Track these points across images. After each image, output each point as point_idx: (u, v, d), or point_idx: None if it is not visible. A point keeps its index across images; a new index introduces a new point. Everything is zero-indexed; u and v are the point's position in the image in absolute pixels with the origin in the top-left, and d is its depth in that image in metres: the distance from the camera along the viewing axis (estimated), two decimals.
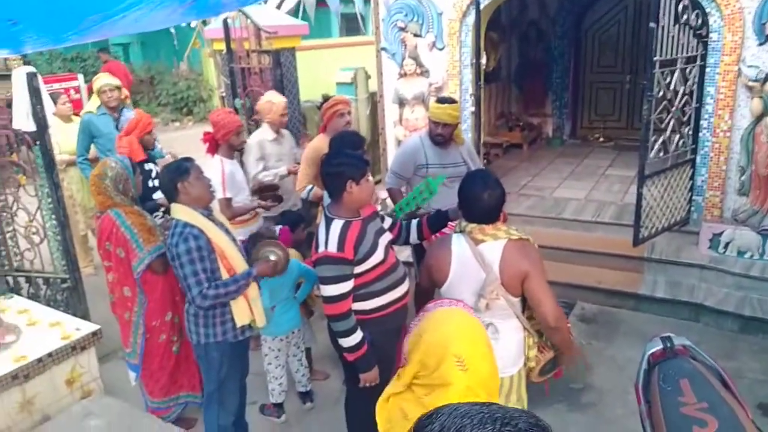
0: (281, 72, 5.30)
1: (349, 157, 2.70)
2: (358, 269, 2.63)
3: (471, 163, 4.13)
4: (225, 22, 5.30)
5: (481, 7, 4.97)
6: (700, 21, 4.45)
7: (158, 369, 3.37)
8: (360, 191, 2.64)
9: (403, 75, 5.67)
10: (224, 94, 5.94)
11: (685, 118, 4.65)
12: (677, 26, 4.26)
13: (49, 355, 3.36)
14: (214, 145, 3.97)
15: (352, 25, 18.17)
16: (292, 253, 3.75)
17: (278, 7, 5.52)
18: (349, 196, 2.63)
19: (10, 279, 4.25)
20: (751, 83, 4.39)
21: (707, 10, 4.44)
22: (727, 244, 4.71)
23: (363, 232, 2.64)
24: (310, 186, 4.18)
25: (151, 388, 3.41)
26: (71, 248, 4.15)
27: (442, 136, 3.85)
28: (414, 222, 3.03)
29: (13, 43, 2.72)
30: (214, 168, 3.88)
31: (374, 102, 7.09)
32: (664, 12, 4.08)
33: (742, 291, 4.49)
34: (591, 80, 8.34)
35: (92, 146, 5.00)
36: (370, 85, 7.47)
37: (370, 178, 2.73)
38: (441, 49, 5.53)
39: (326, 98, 4.30)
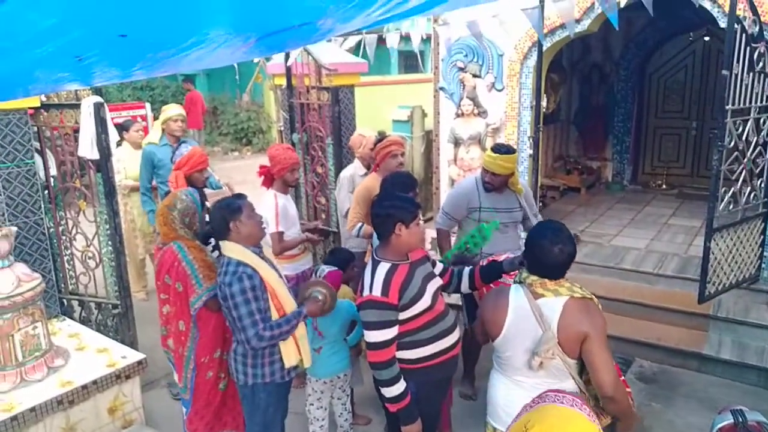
0: (339, 109, 5.32)
1: (400, 200, 2.63)
2: (403, 315, 2.54)
3: (527, 208, 4.01)
4: (286, 58, 5.39)
5: (544, 48, 4.89)
6: None
7: (204, 406, 3.32)
8: (409, 235, 2.56)
9: (460, 115, 5.63)
10: (282, 128, 6.03)
11: (758, 170, 4.40)
12: (751, 74, 4.05)
13: (94, 382, 3.39)
14: (269, 178, 4.00)
15: (410, 62, 18.44)
16: (345, 291, 3.69)
17: (340, 45, 5.58)
18: (397, 239, 2.56)
19: (64, 301, 4.34)
20: None
21: None
22: None
23: (410, 276, 2.56)
24: (360, 224, 4.14)
25: (195, 426, 3.35)
26: (124, 275, 4.22)
27: (491, 185, 3.75)
28: (466, 270, 2.92)
29: (83, 77, 2.82)
30: (268, 202, 3.91)
31: (429, 140, 7.08)
32: (737, 59, 3.89)
33: None
34: (655, 125, 8.08)
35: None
36: (426, 124, 7.47)
37: (421, 221, 2.66)
38: (500, 90, 5.47)
39: (382, 136, 4.28)
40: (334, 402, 3.61)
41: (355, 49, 5.76)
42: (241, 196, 2.92)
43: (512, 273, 2.81)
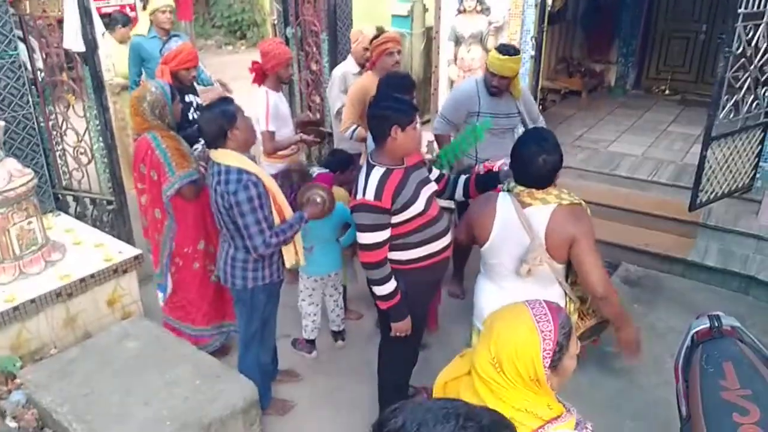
0: (335, 1, 5.09)
1: (397, 102, 2.57)
2: (395, 219, 2.56)
3: (526, 114, 3.94)
4: None
5: None
6: None
7: (197, 297, 3.42)
8: (405, 138, 2.52)
9: (462, 11, 5.39)
10: (276, 22, 5.79)
11: (764, 78, 4.29)
12: None
13: (92, 276, 3.47)
14: (261, 75, 3.88)
15: None
16: (341, 193, 3.70)
17: None
18: (393, 143, 2.52)
19: (59, 196, 4.35)
20: None
21: None
22: None
23: (404, 181, 2.55)
24: (354, 126, 4.07)
25: (193, 316, 3.46)
26: (117, 171, 4.20)
27: (498, 88, 3.65)
28: (462, 178, 2.91)
29: None
30: (260, 99, 3.83)
31: (429, 37, 6.81)
32: None
33: None
34: (663, 28, 7.78)
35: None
36: (426, 20, 7.17)
37: (418, 125, 2.61)
38: None
39: (380, 32, 4.11)
40: (326, 299, 3.73)
41: None
42: (229, 100, 2.84)
43: None
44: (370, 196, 2.50)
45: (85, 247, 3.72)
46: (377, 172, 2.53)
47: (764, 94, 4.35)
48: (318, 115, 5.55)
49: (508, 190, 2.45)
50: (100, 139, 4.03)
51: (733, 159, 4.45)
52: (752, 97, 4.29)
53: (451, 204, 4.34)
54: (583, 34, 8.08)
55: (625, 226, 4.88)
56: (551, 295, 2.47)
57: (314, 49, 5.44)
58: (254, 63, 3.86)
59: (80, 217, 4.32)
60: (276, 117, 3.88)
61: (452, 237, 2.79)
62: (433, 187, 2.73)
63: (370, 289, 2.74)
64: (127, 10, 9.87)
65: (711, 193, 4.45)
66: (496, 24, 5.29)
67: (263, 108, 3.80)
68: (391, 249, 2.62)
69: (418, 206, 2.58)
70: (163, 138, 3.09)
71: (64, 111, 4.19)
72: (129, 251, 3.73)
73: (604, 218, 4.68)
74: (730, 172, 4.49)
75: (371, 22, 7.09)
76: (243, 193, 2.64)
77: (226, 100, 2.79)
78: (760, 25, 4.01)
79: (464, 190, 2.89)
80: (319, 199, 3.11)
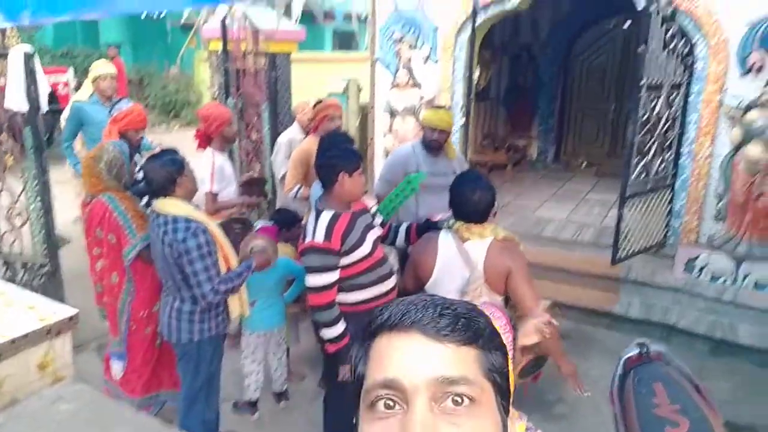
0: (276, 74, 5.34)
1: (343, 150, 2.74)
2: (344, 261, 2.66)
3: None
4: (223, 21, 5.34)
5: (477, 23, 5.08)
6: (686, 49, 4.60)
7: (142, 364, 3.30)
8: (352, 184, 2.67)
9: (395, 86, 5.76)
10: (216, 94, 5.97)
11: (668, 144, 4.78)
12: (665, 52, 4.39)
13: (25, 336, 3.31)
14: (205, 139, 3.99)
15: (344, 41, 18.47)
16: (286, 249, 3.77)
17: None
18: (340, 188, 2.67)
19: None
20: (732, 112, 4.54)
21: (694, 40, 4.60)
22: (701, 269, 4.81)
23: (351, 225, 2.68)
24: (298, 186, 4.21)
25: (133, 385, 3.33)
26: (53, 233, 4.11)
27: (437, 141, 3.90)
28: (404, 225, 3.08)
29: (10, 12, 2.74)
30: (205, 161, 3.91)
31: (364, 114, 7.18)
32: (653, 37, 4.21)
33: (713, 315, 4.59)
34: (577, 106, 8.52)
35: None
36: (361, 98, 7.56)
37: (363, 174, 2.77)
38: (435, 63, 5.63)
39: (318, 102, 4.36)
40: (270, 357, 3.69)
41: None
42: (174, 150, 2.93)
43: None
44: (319, 238, 2.60)
45: (17, 309, 3.55)
46: (326, 216, 2.65)
47: (669, 158, 4.83)
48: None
49: (449, 227, 2.62)
50: (38, 199, 3.96)
51: (647, 217, 4.85)
52: (659, 160, 4.75)
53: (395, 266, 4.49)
54: (505, 112, 8.71)
55: (554, 283, 5.14)
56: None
57: (255, 119, 5.62)
58: (197, 130, 3.97)
59: (9, 281, 4.14)
60: (221, 178, 3.95)
61: (397, 280, 2.90)
62: (377, 231, 2.86)
63: (317, 334, 2.78)
64: (60, 87, 9.92)
65: (629, 249, 4.80)
66: (428, 97, 5.68)
67: (208, 168, 3.88)
68: (340, 291, 2.70)
69: (365, 248, 2.70)
70: (120, 200, 3.08)
71: (1, 173, 4.12)
72: (64, 312, 3.59)
73: (535, 277, 4.89)
74: (646, 229, 4.88)
75: (309, 98, 7.44)
76: (192, 240, 2.68)
77: (172, 151, 2.88)
78: (660, 96, 4.52)
79: (406, 236, 3.04)
80: (261, 248, 3.17)
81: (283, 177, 4.68)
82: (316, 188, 3.45)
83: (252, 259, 3.02)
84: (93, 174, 3.07)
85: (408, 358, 0.71)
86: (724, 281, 4.75)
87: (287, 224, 3.82)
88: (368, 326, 0.78)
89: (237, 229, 3.47)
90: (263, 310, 3.50)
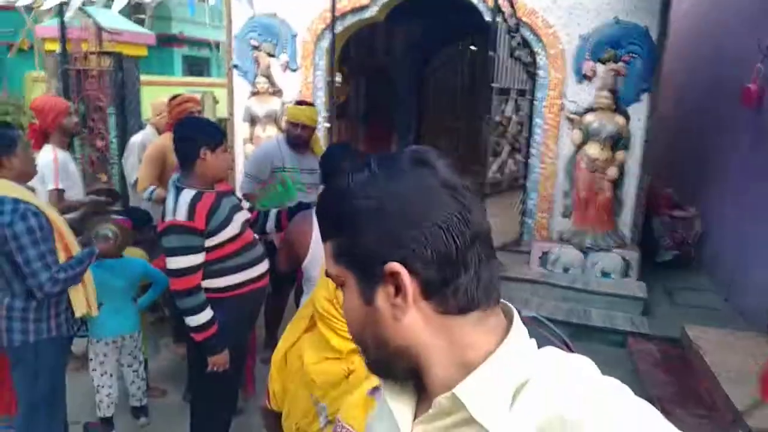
0: (123, 75, 4.96)
1: (205, 124, 2.56)
2: (210, 242, 2.46)
3: None
4: (62, 20, 4.89)
5: (336, 31, 5.12)
6: (530, 58, 4.97)
7: None
8: (215, 160, 2.50)
9: (255, 93, 5.61)
10: None
11: (518, 146, 5.10)
12: (511, 60, 4.71)
13: None
14: (42, 135, 3.58)
15: (195, 68, 17.94)
16: (136, 252, 3.43)
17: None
18: (202, 164, 2.48)
19: None
20: (571, 116, 4.96)
21: (535, 50, 4.99)
22: (554, 261, 5.15)
23: (217, 204, 2.49)
24: (152, 187, 3.89)
25: None
26: None
27: (301, 137, 3.81)
28: (273, 211, 2.93)
29: None
30: (45, 156, 3.49)
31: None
32: (500, 44, 4.49)
33: (569, 302, 4.90)
34: (432, 123, 8.90)
35: None
36: (217, 112, 7.30)
37: (227, 151, 2.60)
38: (294, 71, 5.58)
39: (175, 95, 4.09)
40: (124, 370, 3.31)
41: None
42: (11, 126, 2.57)
43: None
44: (181, 216, 2.39)
45: None
46: (187, 194, 2.44)
47: (520, 159, 5.16)
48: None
49: None
50: None
51: (504, 215, 5.11)
52: (512, 161, 5.05)
53: None
54: (365, 129, 8.86)
55: None
56: None
57: (99, 124, 5.17)
58: (31, 125, 3.56)
59: None
60: (66, 175, 3.55)
61: (269, 266, 2.74)
62: (245, 214, 2.69)
63: (181, 323, 2.53)
64: None
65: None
66: (289, 104, 5.58)
67: (50, 164, 3.47)
68: (207, 276, 2.49)
69: (233, 228, 2.52)
70: None
71: None
72: None
73: None
74: (504, 227, 5.13)
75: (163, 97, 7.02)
76: (21, 223, 2.34)
77: (6, 125, 2.52)
78: (508, 99, 4.82)
79: (276, 222, 2.90)
80: (110, 234, 2.86)
81: (136, 181, 4.32)
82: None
83: (95, 246, 2.69)
84: None
85: None
86: (575, 271, 5.11)
87: (139, 223, 3.49)
88: None
89: (107, 199, 3.11)
90: (111, 314, 3.11)
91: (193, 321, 2.43)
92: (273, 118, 5.61)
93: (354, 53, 7.98)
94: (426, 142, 8.94)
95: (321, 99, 5.60)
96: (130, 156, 4.41)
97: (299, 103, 3.86)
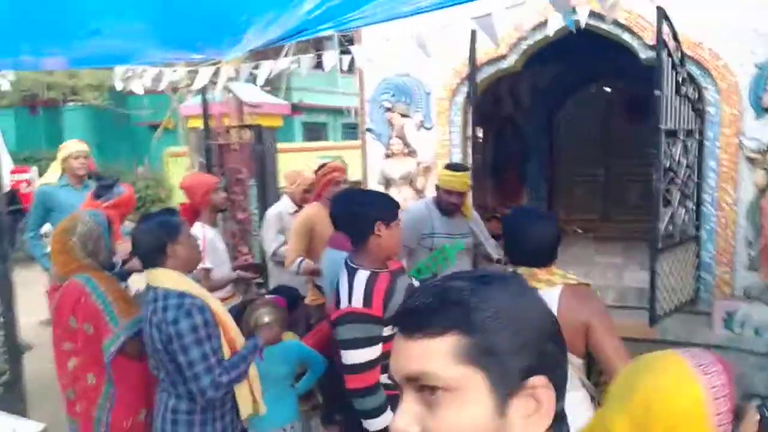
0: (263, 147, 4.98)
1: (378, 196, 2.31)
2: (388, 330, 2.16)
3: (481, 235, 3.82)
4: (203, 96, 5.02)
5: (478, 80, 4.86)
6: (696, 95, 4.43)
7: None
8: (390, 236, 2.23)
9: (389, 155, 5.45)
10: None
11: (689, 192, 4.50)
12: (678, 98, 4.19)
13: None
14: (193, 213, 3.55)
15: (314, 134, 18.77)
16: (289, 334, 3.24)
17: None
18: (376, 241, 2.22)
19: None
20: (753, 155, 4.32)
21: (703, 85, 4.44)
22: (742, 323, 4.41)
23: (392, 286, 2.20)
24: (300, 258, 3.72)
25: None
26: (14, 336, 3.50)
27: (455, 205, 3.53)
28: None
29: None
30: (196, 235, 3.43)
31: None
32: (666, 82, 4.01)
33: (766, 372, 4.14)
34: (566, 173, 8.36)
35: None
36: (348, 174, 7.25)
37: (401, 223, 2.34)
38: (429, 129, 5.38)
39: (322, 165, 3.97)
40: None
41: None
42: (172, 211, 2.47)
43: None
44: (357, 302, 2.12)
45: None
46: (362, 276, 2.18)
47: (691, 207, 4.54)
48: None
49: None
50: None
51: (677, 273, 4.48)
52: (683, 210, 4.45)
53: None
54: (493, 182, 8.47)
55: None
56: (574, 401, 2.11)
57: (240, 197, 5.20)
58: (182, 205, 3.55)
59: None
60: (213, 253, 3.48)
61: None
62: None
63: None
64: (23, 186, 9.39)
65: (665, 307, 4.38)
66: (425, 164, 5.37)
67: (199, 243, 3.40)
68: (384, 371, 2.18)
69: None
70: (98, 280, 2.53)
71: None
72: (27, 428, 2.94)
73: None
74: (678, 285, 4.49)
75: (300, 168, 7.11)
76: (186, 321, 2.16)
77: (169, 211, 2.41)
78: (677, 141, 4.27)
79: None
80: (268, 319, 2.66)
81: (275, 254, 4.22)
82: (332, 255, 2.98)
83: (258, 335, 2.48)
84: (64, 250, 2.54)
85: (393, 356, 0.77)
86: None
87: (289, 303, 3.30)
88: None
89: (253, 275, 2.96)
90: (273, 404, 2.88)
91: (374, 425, 2.12)
92: (408, 180, 5.40)
93: (481, 102, 7.72)
94: (560, 194, 8.41)
95: (457, 156, 5.34)
96: (268, 229, 4.33)
97: (453, 167, 3.57)
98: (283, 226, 4.25)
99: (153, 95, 13.55)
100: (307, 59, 3.94)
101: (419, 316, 0.73)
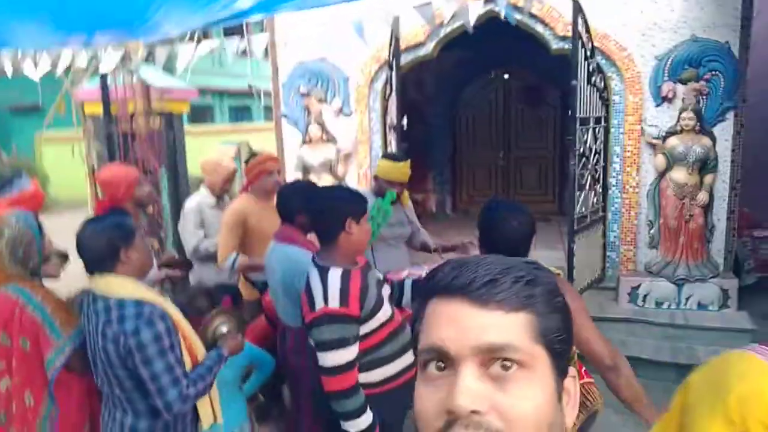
0: (174, 135, 4.66)
1: (347, 192, 2.23)
2: (364, 329, 2.11)
3: (416, 223, 3.84)
4: (104, 80, 4.59)
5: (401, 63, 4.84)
6: (602, 84, 4.71)
7: None
8: (360, 232, 2.17)
9: (308, 141, 5.31)
10: (96, 165, 5.09)
11: (598, 176, 4.80)
12: (589, 87, 4.43)
13: None
14: (110, 210, 3.24)
15: (238, 114, 18.18)
16: None
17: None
18: (347, 239, 2.15)
19: None
20: (653, 141, 4.67)
21: (608, 75, 4.72)
22: (645, 296, 4.80)
23: (366, 283, 2.15)
24: (234, 254, 3.53)
25: None
26: None
27: (396, 195, 3.50)
28: (408, 281, 2.58)
29: None
30: None
31: None
32: (580, 73, 4.22)
33: (670, 341, 4.54)
34: (468, 157, 8.61)
35: None
36: None
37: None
38: (348, 115, 5.30)
39: (253, 155, 3.77)
40: None
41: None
42: (126, 214, 2.24)
43: None
44: (334, 302, 2.05)
45: None
46: (335, 274, 2.10)
47: (599, 190, 4.85)
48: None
49: None
50: None
51: (587, 251, 4.77)
52: (592, 193, 4.74)
53: None
54: None
55: None
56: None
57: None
58: (99, 202, 3.24)
59: None
60: None
61: None
62: (387, 289, 2.35)
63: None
64: None
65: (580, 285, 4.66)
66: (345, 151, 5.30)
67: None
68: (361, 370, 2.13)
69: (385, 311, 2.18)
70: (32, 290, 2.26)
71: None
72: None
73: None
74: (588, 263, 4.79)
75: (195, 164, 6.74)
76: (147, 330, 1.98)
77: (123, 213, 2.18)
78: (589, 129, 4.53)
79: (413, 296, 2.55)
80: (226, 328, 2.52)
81: (196, 249, 3.97)
82: (280, 249, 2.84)
83: (222, 346, 2.34)
84: None
85: (454, 325, 0.71)
86: (669, 306, 4.76)
87: (235, 302, 3.14)
88: (424, 285, 0.77)
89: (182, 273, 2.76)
90: (223, 408, 2.73)
91: (353, 426, 2.06)
92: (328, 167, 5.30)
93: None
94: (462, 177, 8.66)
95: (376, 143, 5.32)
96: (188, 223, 4.06)
97: (392, 157, 3.53)
98: (202, 219, 4.01)
99: (21, 77, 12.24)
100: (210, 44, 3.70)
101: (497, 288, 0.70)
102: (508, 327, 0.69)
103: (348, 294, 2.06)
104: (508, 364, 0.68)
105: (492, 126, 8.47)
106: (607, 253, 5.03)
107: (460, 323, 0.70)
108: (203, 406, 2.24)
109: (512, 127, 8.36)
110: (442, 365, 0.70)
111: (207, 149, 7.28)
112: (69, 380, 2.25)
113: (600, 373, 2.12)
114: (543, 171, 8.38)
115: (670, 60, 4.57)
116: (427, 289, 0.76)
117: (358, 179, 5.34)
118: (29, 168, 12.65)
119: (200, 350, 2.22)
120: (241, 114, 18.86)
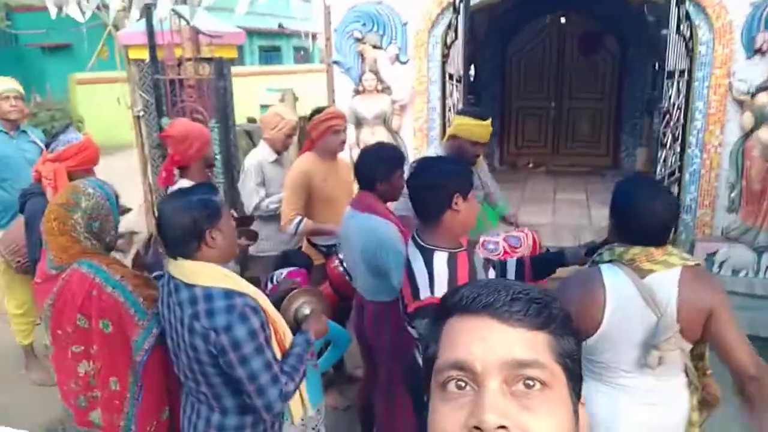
0: (225, 84, 4.39)
1: (453, 166, 1.98)
2: None
3: (490, 185, 3.58)
4: (150, 22, 4.32)
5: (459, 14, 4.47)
6: (689, 33, 4.29)
7: None
8: (469, 210, 1.93)
9: (361, 91, 5.01)
10: (142, 114, 4.87)
11: (677, 134, 4.44)
12: (676, 36, 4.03)
13: None
14: (173, 170, 3.03)
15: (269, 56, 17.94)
16: None
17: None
18: (453, 217, 1.91)
19: None
20: (741, 97, 4.28)
21: (696, 23, 4.30)
22: (722, 263, 4.52)
23: (472, 267, 1.92)
24: (299, 217, 3.33)
25: None
26: None
27: (477, 157, 3.23)
28: (511, 262, 2.34)
29: None
30: None
31: (302, 128, 6.35)
32: (672, 20, 3.82)
33: (749, 312, 4.27)
34: (517, 106, 8.21)
35: None
36: (298, 109, 6.72)
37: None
38: (404, 63, 4.95)
39: (316, 110, 3.50)
40: None
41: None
42: (214, 190, 2.00)
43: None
44: (441, 291, 1.82)
45: None
46: (441, 258, 1.87)
47: (677, 149, 4.50)
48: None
49: (614, 257, 1.93)
50: None
51: None
52: (671, 152, 4.40)
53: None
54: None
55: None
56: (676, 387, 1.97)
57: None
58: (170, 157, 3.00)
59: None
60: None
61: None
62: (492, 271, 2.12)
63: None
64: None
65: None
66: (401, 102, 4.99)
67: None
68: None
69: None
70: (110, 267, 2.06)
71: None
72: None
73: None
74: None
75: (240, 113, 6.48)
76: (241, 327, 1.77)
77: (208, 187, 1.96)
78: (673, 83, 4.15)
79: (517, 276, 2.31)
80: (309, 309, 2.31)
81: (257, 207, 3.80)
82: (358, 218, 2.62)
83: (307, 330, 2.13)
84: (65, 231, 2.03)
85: (480, 341, 0.70)
86: (746, 274, 4.48)
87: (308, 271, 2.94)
88: (442, 306, 0.77)
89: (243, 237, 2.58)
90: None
91: None
92: (382, 119, 5.01)
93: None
94: (511, 128, 8.28)
95: (434, 94, 4.99)
96: (248, 180, 3.86)
97: (472, 114, 3.23)
98: (264, 177, 3.81)
99: (36, 12, 11.87)
100: None
101: (519, 307, 0.71)
102: (533, 344, 0.70)
103: (456, 283, 1.84)
104: (530, 383, 0.68)
105: (544, 74, 8.02)
106: (683, 216, 4.72)
107: (486, 339, 0.70)
108: (294, 399, 2.06)
109: (566, 76, 7.90)
110: (463, 384, 0.69)
111: (249, 96, 7.02)
112: (154, 363, 2.09)
113: (738, 382, 1.88)
114: (597, 123, 7.95)
115: (766, 8, 4.12)
116: (446, 309, 0.75)
117: (414, 133, 5.04)
118: (66, 111, 12.54)
119: (289, 336, 2.03)
120: (270, 56, 18.44)
